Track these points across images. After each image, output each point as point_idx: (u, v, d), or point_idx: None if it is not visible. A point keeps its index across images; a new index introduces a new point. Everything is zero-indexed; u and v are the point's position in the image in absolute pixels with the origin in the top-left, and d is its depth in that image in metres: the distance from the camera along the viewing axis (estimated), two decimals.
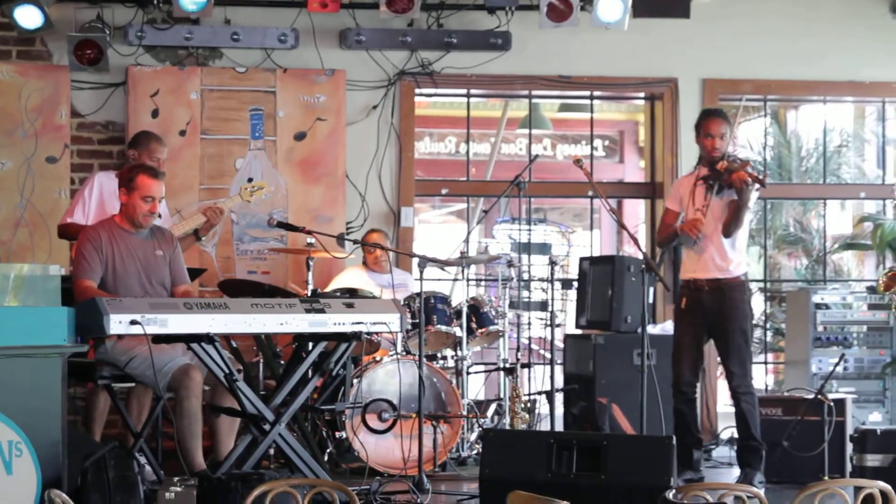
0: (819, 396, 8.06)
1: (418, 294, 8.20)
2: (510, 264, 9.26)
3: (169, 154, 9.30)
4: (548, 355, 8.93)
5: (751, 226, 13.25)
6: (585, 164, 7.85)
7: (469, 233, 9.71)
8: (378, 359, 8.48)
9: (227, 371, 6.46)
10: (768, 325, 12.01)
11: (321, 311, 6.66)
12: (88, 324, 6.07)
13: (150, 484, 6.53)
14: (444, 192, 10.93)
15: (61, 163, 9.68)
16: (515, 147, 14.03)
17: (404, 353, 8.48)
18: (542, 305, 9.85)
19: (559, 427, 8.86)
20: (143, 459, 6.93)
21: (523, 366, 9.18)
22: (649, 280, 7.85)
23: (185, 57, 9.92)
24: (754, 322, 12.66)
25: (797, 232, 13.50)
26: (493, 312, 9.00)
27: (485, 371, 9.83)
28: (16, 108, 9.64)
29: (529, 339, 10.05)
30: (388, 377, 8.28)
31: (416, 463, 7.67)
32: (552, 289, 8.69)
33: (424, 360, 7.99)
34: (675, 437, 6.40)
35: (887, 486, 4.29)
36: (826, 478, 7.58)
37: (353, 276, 9.38)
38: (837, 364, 8.77)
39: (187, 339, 6.38)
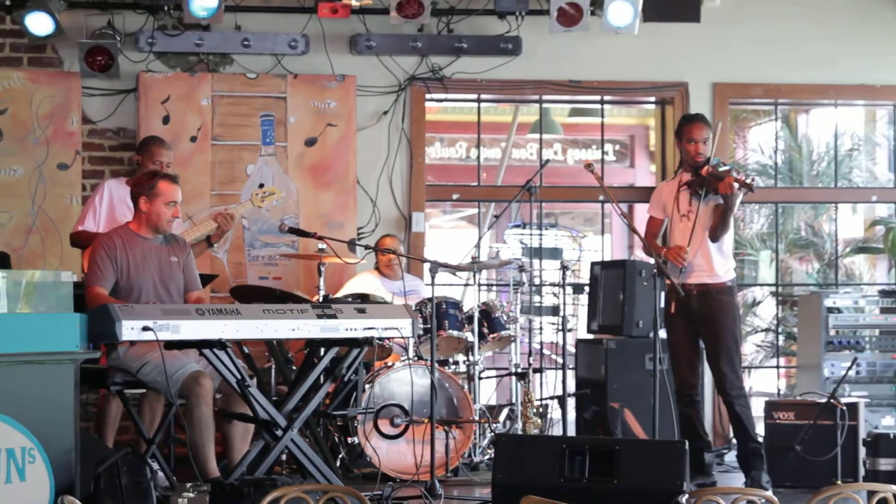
0: (831, 400, 8.05)
1: (430, 299, 8.20)
2: (521, 269, 9.26)
3: (180, 160, 9.36)
4: (560, 360, 8.92)
5: (762, 229, 13.38)
6: (596, 169, 7.84)
7: (480, 238, 9.71)
8: (390, 364, 8.48)
9: (240, 377, 6.47)
10: (780, 330, 11.99)
11: (333, 316, 6.66)
12: (101, 330, 6.07)
13: (163, 490, 6.54)
14: (454, 197, 10.92)
15: (72, 169, 9.70)
16: (526, 152, 14.02)
17: (416, 359, 8.48)
18: (554, 310, 9.84)
19: (571, 432, 8.85)
20: (155, 465, 6.93)
21: (535, 371, 9.18)
22: (661, 284, 7.84)
23: (196, 63, 9.93)
24: (766, 327, 12.74)
25: (809, 236, 13.48)
26: (505, 317, 9.00)
27: (497, 376, 9.82)
28: (27, 115, 9.66)
29: (541, 343, 10.04)
30: (400, 382, 8.28)
31: (428, 468, 7.66)
32: (563, 293, 8.69)
33: (436, 365, 7.98)
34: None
35: None
36: (839, 482, 7.58)
37: (365, 282, 9.38)
38: (850, 368, 8.76)
39: (199, 345, 6.38)
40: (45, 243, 9.61)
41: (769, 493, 4.39)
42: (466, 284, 10.50)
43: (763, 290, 13.06)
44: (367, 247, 9.10)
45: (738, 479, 8.39)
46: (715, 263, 7.97)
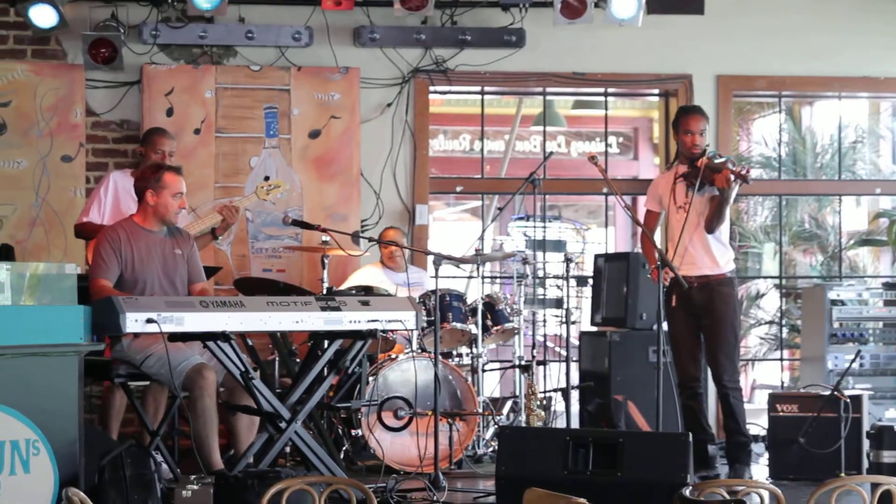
0: (835, 393, 8.05)
1: (433, 291, 8.20)
2: (525, 261, 9.26)
3: (183, 152, 9.37)
4: (563, 352, 8.92)
5: (766, 222, 13.37)
6: (600, 161, 7.83)
7: (484, 230, 9.70)
8: (393, 356, 8.48)
9: (244, 369, 6.48)
10: (784, 322, 11.99)
11: (337, 308, 6.67)
12: (105, 322, 6.09)
13: (167, 482, 6.53)
14: (458, 189, 10.92)
15: (76, 162, 9.70)
16: (530, 144, 14.05)
17: (420, 351, 8.48)
18: (558, 303, 9.84)
19: (575, 424, 8.86)
20: (159, 457, 6.94)
21: (539, 363, 9.19)
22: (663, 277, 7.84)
23: (200, 55, 9.93)
24: (770, 319, 12.75)
25: (812, 228, 13.47)
26: (509, 310, 9.00)
27: (500, 368, 9.82)
28: (31, 107, 9.66)
29: (545, 336, 10.05)
30: (404, 375, 8.29)
31: (432, 461, 7.67)
32: (567, 286, 8.69)
33: (440, 357, 7.98)
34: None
35: None
36: (843, 475, 7.57)
37: (369, 274, 9.38)
38: (853, 360, 8.76)
39: (203, 337, 6.39)
40: (49, 235, 9.62)
41: (773, 486, 4.38)
42: (470, 277, 10.49)
43: (767, 283, 13.06)
44: (370, 239, 9.10)
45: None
46: (715, 254, 7.97)
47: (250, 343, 7.43)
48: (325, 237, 8.58)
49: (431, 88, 10.21)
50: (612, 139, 13.31)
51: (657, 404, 7.48)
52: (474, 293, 9.33)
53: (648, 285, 8.94)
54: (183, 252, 7.29)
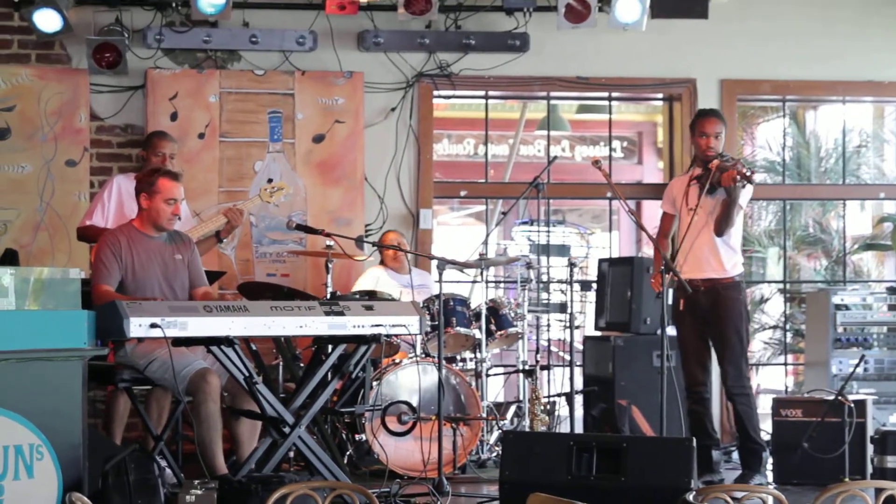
0: (839, 398, 8.04)
1: (437, 296, 8.20)
2: (529, 266, 9.25)
3: (188, 157, 9.38)
4: (567, 357, 8.92)
5: (770, 226, 13.37)
6: (604, 166, 7.84)
7: (488, 235, 9.71)
8: (397, 361, 8.48)
9: (247, 374, 6.48)
10: (788, 327, 11.98)
11: (340, 313, 6.67)
12: (108, 327, 6.09)
13: (171, 487, 6.54)
14: (462, 193, 10.93)
15: (81, 166, 9.71)
16: (534, 149, 14.04)
17: (423, 356, 8.48)
18: (562, 307, 9.83)
19: (579, 429, 8.87)
20: (163, 462, 6.95)
21: (543, 368, 9.18)
22: (669, 281, 7.84)
23: (204, 60, 9.94)
24: (774, 324, 12.74)
25: (817, 233, 13.47)
26: (513, 314, 9.00)
27: (504, 373, 9.83)
28: (35, 111, 9.67)
29: (549, 340, 10.05)
30: (408, 379, 8.29)
31: (435, 465, 7.67)
32: (571, 290, 8.69)
33: (444, 362, 7.98)
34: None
35: None
36: (846, 479, 7.57)
37: (373, 277, 9.38)
38: (857, 365, 8.75)
39: (207, 342, 6.40)
40: (54, 240, 9.62)
41: (777, 491, 4.38)
42: (474, 281, 10.50)
43: (771, 287, 13.06)
44: (374, 244, 9.10)
45: None
46: (723, 257, 7.96)
47: (254, 348, 7.44)
48: (329, 242, 8.58)
49: (435, 93, 10.21)
50: (616, 143, 13.29)
51: (661, 409, 7.48)
52: (478, 298, 9.33)
53: (652, 290, 8.93)
54: (184, 257, 7.28)
